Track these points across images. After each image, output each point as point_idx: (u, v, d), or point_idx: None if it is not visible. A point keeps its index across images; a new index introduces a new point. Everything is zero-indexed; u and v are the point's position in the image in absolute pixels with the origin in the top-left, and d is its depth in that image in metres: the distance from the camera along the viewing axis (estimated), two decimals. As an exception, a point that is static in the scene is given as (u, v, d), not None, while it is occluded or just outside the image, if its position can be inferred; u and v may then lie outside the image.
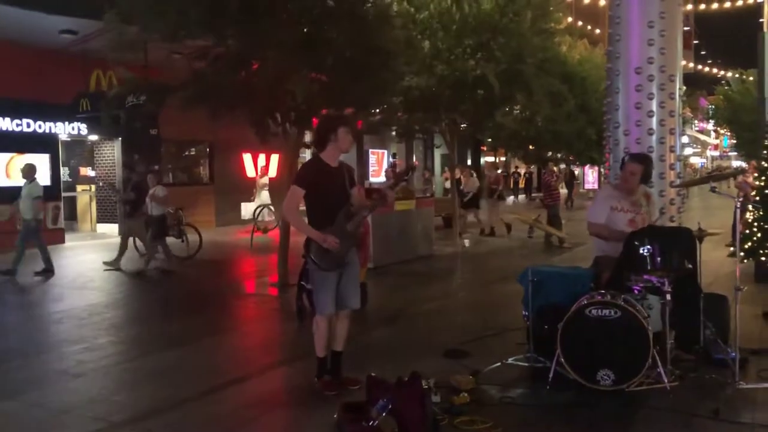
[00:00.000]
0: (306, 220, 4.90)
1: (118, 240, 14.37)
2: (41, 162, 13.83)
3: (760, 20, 21.53)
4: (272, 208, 16.72)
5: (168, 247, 11.15)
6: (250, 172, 19.95)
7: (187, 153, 19.39)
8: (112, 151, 16.83)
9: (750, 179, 11.86)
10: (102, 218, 17.20)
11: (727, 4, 27.38)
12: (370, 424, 3.84)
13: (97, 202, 17.32)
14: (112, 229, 16.73)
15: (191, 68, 8.72)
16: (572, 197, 28.23)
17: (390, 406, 3.87)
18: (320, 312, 4.84)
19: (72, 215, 17.34)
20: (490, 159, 37.72)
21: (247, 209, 17.75)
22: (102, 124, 12.26)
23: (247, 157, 19.75)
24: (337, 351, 4.97)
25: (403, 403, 3.89)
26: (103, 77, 14.81)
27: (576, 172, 35.05)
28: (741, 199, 5.09)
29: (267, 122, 8.96)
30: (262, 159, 20.02)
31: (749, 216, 9.23)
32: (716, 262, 7.64)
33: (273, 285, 9.44)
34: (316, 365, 4.94)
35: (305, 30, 8.33)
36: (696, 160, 63.97)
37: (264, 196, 17.98)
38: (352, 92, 8.81)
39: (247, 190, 18.60)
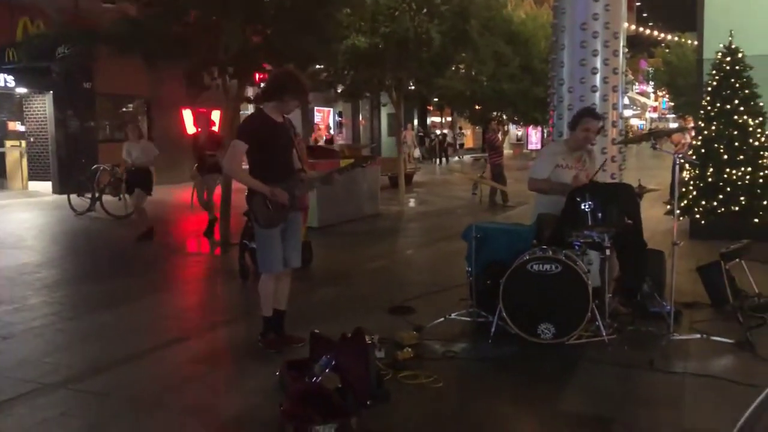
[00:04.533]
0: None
1: (51, 198, 13.87)
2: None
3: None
4: None
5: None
6: (190, 128, 19.39)
7: (123, 109, 18.67)
8: (43, 105, 16.06)
9: (688, 138, 12.18)
10: (34, 175, 16.49)
11: (669, -33, 27.69)
12: (313, 380, 3.79)
13: (28, 159, 16.58)
14: (45, 186, 16.07)
15: (123, 13, 8.31)
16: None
17: (333, 362, 3.83)
18: (267, 271, 4.74)
19: (0, 172, 16.57)
20: (437, 119, 37.69)
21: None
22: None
23: (187, 114, 19.17)
24: (281, 310, 4.89)
25: (347, 358, 3.84)
26: (31, 26, 13.99)
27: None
28: (680, 156, 5.16)
29: (201, 75, 8.63)
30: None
31: (685, 174, 9.49)
32: (653, 219, 7.84)
33: (215, 244, 9.24)
34: (262, 324, 4.86)
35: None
36: (636, 122, 65.46)
37: None
38: (296, 45, 8.55)
39: (187, 147, 18.03)
